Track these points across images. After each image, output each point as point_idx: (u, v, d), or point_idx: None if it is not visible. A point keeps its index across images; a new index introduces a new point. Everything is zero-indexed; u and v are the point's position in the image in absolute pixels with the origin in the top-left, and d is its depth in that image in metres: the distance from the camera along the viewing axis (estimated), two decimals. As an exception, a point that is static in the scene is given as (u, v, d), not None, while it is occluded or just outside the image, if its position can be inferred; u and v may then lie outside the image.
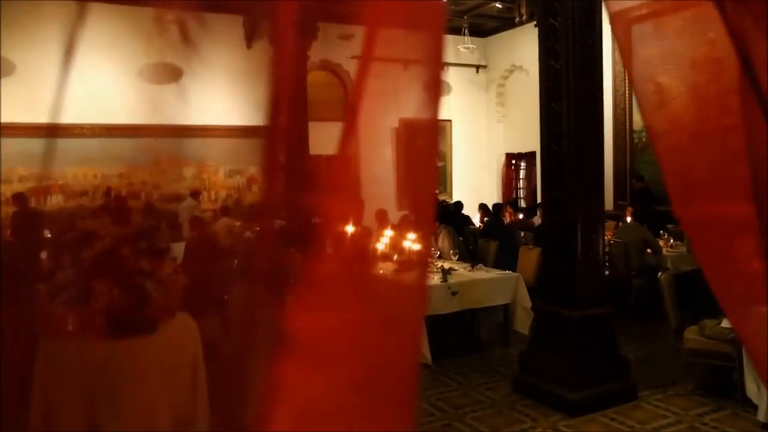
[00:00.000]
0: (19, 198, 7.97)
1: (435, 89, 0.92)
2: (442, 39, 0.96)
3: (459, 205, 10.75)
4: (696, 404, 4.87)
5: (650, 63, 1.23)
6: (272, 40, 1.26)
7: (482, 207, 10.90)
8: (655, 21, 1.28)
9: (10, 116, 8.74)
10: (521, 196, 13.57)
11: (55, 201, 9.31)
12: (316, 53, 11.39)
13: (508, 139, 13.77)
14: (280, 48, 1.03)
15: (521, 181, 13.66)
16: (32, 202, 9.20)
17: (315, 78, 12.56)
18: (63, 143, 9.34)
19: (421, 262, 0.95)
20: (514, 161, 13.60)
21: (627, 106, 10.58)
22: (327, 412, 0.87)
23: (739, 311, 1.10)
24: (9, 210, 8.62)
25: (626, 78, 9.86)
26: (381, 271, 6.60)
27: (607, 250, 7.62)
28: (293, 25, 1.03)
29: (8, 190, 8.96)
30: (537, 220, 9.29)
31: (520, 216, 10.33)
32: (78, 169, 9.40)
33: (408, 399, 0.91)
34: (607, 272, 7.59)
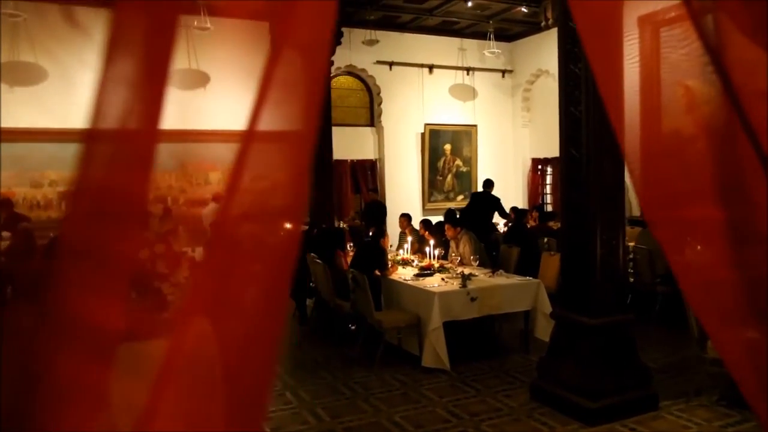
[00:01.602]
0: (4, 204, 8.14)
1: (318, 88, 0.91)
2: (330, 40, 0.95)
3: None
4: (719, 415, 4.76)
5: (679, 66, 1.21)
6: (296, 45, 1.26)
7: (513, 210, 10.79)
8: (685, 23, 1.24)
9: (43, 122, 8.95)
10: (547, 201, 13.43)
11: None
12: (341, 59, 11.47)
13: (534, 144, 13.66)
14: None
15: (547, 186, 13.52)
16: (62, 206, 9.40)
17: (340, 83, 12.64)
18: (92, 148, 9.54)
19: (281, 258, 0.94)
20: (540, 166, 13.47)
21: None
22: (182, 411, 0.87)
23: (721, 331, 1.06)
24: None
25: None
26: (402, 278, 6.62)
27: (631, 256, 7.50)
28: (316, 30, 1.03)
29: (39, 194, 9.19)
30: (554, 224, 9.20)
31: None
32: (106, 173, 9.56)
33: (262, 398, 0.91)
34: (631, 279, 7.48)
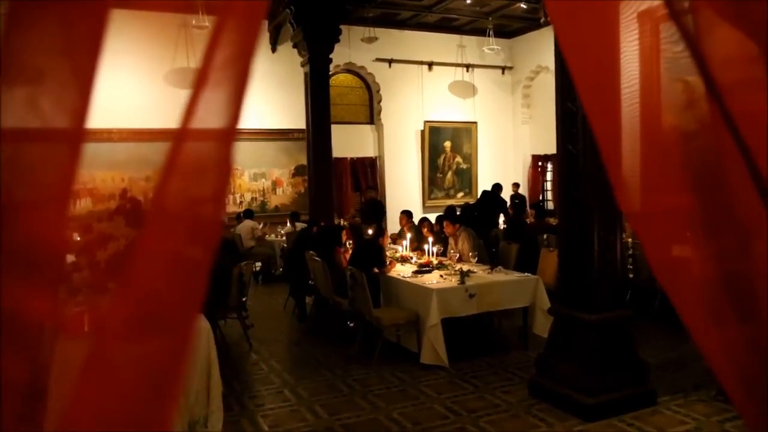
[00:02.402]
0: None
1: (241, 86, 0.90)
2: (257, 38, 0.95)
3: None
4: (717, 410, 4.75)
5: (679, 61, 1.21)
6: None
7: (513, 205, 11.01)
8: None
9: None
10: (548, 198, 13.43)
11: (84, 205, 9.51)
12: (340, 56, 11.47)
13: (534, 141, 13.66)
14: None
15: (547, 182, 13.52)
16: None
17: (339, 80, 12.63)
18: (91, 148, 9.54)
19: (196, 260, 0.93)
20: (540, 163, 13.47)
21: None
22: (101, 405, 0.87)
23: (700, 327, 1.06)
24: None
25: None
26: (400, 275, 6.62)
27: (630, 252, 7.49)
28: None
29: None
30: (554, 221, 9.24)
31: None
32: (106, 173, 9.59)
33: (171, 399, 0.90)
34: (631, 275, 7.47)
